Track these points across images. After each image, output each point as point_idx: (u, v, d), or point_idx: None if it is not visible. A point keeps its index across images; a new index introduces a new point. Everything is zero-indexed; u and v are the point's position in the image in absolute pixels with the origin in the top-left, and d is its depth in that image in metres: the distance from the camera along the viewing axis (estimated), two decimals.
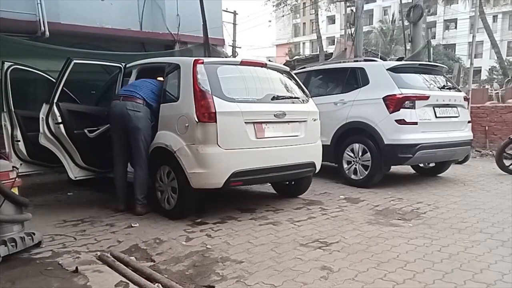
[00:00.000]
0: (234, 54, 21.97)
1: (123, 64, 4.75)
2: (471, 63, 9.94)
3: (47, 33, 6.88)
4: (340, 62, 6.99)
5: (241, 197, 4.92)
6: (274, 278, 2.57)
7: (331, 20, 46.81)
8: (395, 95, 5.08)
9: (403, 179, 5.92)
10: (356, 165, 5.41)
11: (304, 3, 37.13)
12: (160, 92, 4.17)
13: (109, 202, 4.45)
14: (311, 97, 4.65)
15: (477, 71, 31.61)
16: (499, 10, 36.63)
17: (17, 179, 3.05)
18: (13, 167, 3.10)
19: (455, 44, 40.13)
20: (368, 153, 5.24)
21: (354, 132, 5.45)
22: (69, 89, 4.54)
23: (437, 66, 6.11)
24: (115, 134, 4.20)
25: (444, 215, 4.00)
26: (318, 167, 4.47)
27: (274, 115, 3.96)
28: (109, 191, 4.71)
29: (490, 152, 8.56)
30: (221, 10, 10.31)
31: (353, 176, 5.45)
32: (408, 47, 11.52)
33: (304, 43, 51.57)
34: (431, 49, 10.52)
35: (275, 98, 4.13)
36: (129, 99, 4.06)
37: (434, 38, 37.05)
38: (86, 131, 4.26)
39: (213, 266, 2.78)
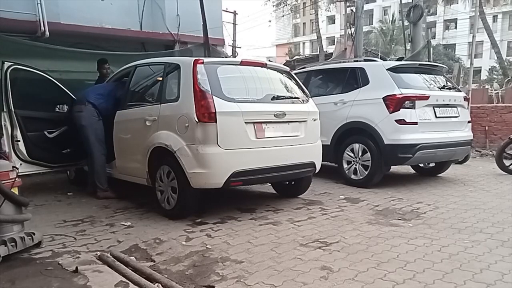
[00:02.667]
0: (234, 54, 21.96)
1: None
2: (471, 63, 9.93)
3: (47, 33, 6.87)
4: (340, 62, 6.98)
5: (241, 197, 4.92)
6: (274, 278, 2.57)
7: (331, 20, 46.77)
8: (395, 95, 5.08)
9: (403, 179, 5.92)
10: (356, 165, 5.40)
11: (304, 3, 37.15)
12: (109, 92, 4.91)
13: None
14: (311, 97, 4.65)
15: (477, 71, 31.57)
16: (499, 10, 36.64)
17: (17, 179, 3.05)
18: (13, 167, 3.10)
19: (455, 44, 40.11)
20: (368, 153, 5.24)
21: (354, 132, 5.44)
22: None
23: (437, 66, 6.11)
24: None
25: (444, 215, 4.00)
26: (318, 167, 4.47)
27: (274, 115, 3.95)
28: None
29: (490, 152, 8.56)
30: (221, 10, 10.30)
31: (353, 176, 5.44)
32: (408, 47, 11.51)
33: (304, 43, 51.54)
34: (431, 49, 10.52)
35: (275, 98, 4.13)
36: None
37: (434, 38, 37.01)
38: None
39: (213, 266, 2.78)
